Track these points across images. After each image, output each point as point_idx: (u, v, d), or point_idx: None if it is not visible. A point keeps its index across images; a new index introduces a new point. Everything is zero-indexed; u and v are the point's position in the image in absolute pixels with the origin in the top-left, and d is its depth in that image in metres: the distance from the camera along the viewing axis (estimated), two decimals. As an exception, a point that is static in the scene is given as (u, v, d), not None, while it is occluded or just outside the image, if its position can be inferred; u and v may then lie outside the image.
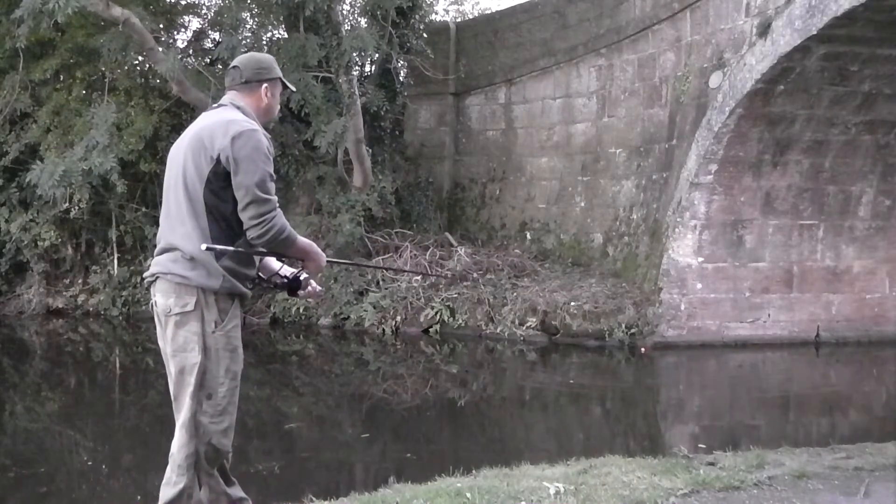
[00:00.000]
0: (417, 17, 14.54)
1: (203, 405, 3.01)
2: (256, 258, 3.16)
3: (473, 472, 4.78)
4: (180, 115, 14.06)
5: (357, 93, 13.08)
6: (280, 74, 3.29)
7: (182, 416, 3.03)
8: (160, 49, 12.64)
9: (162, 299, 3.05)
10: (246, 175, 2.93)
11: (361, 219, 13.18)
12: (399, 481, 4.69)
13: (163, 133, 13.72)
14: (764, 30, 9.77)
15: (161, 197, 3.27)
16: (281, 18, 14.07)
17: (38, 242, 13.79)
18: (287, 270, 3.23)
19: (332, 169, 13.85)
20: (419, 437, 7.33)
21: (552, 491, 4.17)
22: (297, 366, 11.02)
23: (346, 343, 12.01)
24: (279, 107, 3.36)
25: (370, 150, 13.68)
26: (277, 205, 3.02)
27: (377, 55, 14.07)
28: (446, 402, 8.82)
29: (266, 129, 3.17)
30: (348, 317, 12.36)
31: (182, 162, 3.05)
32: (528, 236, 14.11)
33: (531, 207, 14.21)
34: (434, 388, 9.31)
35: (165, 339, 3.07)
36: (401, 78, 14.81)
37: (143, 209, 14.26)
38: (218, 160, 2.96)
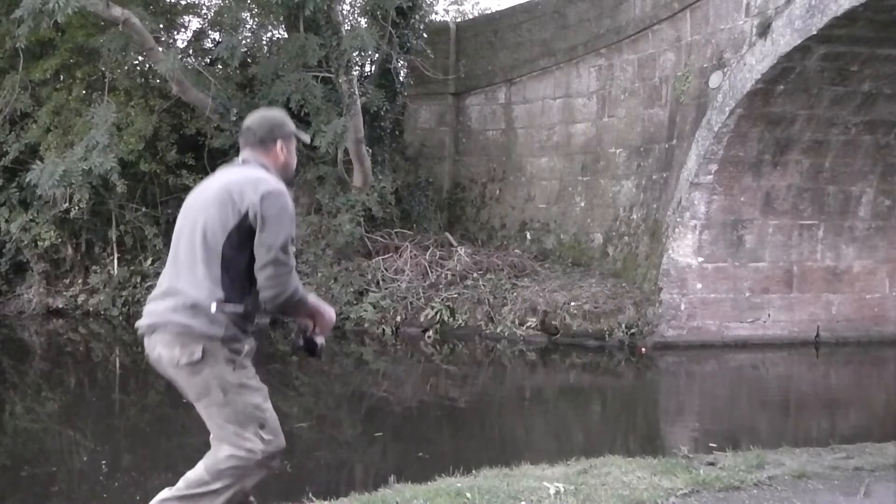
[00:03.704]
0: (417, 17, 14.53)
1: (255, 433, 2.99)
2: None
3: (473, 472, 4.78)
4: (180, 115, 14.06)
5: (357, 93, 13.08)
6: (294, 129, 3.28)
7: (229, 448, 2.98)
8: (160, 49, 12.64)
9: (166, 351, 2.97)
10: (270, 235, 2.91)
11: (361, 219, 13.18)
12: (399, 481, 4.69)
13: (163, 133, 13.70)
14: (764, 30, 9.78)
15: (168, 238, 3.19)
16: (281, 18, 14.08)
17: (38, 242, 13.78)
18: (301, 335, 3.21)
19: (332, 169, 13.84)
20: (419, 437, 7.32)
21: (552, 491, 4.17)
22: (297, 366, 11.01)
23: (346, 343, 12.01)
24: (296, 161, 3.34)
25: (370, 150, 13.68)
26: (294, 267, 2.99)
27: (377, 55, 14.07)
28: (446, 402, 8.82)
29: (288, 184, 3.16)
30: (348, 317, 12.34)
31: (204, 210, 3.01)
32: (528, 236, 14.11)
33: (531, 207, 14.21)
34: (434, 387, 9.31)
35: (183, 389, 3.02)
36: (401, 78, 14.80)
37: (143, 209, 14.26)
38: (245, 215, 2.93)
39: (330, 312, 3.20)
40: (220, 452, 2.98)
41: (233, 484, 2.97)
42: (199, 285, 2.93)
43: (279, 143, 3.20)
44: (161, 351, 2.98)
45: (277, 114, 3.32)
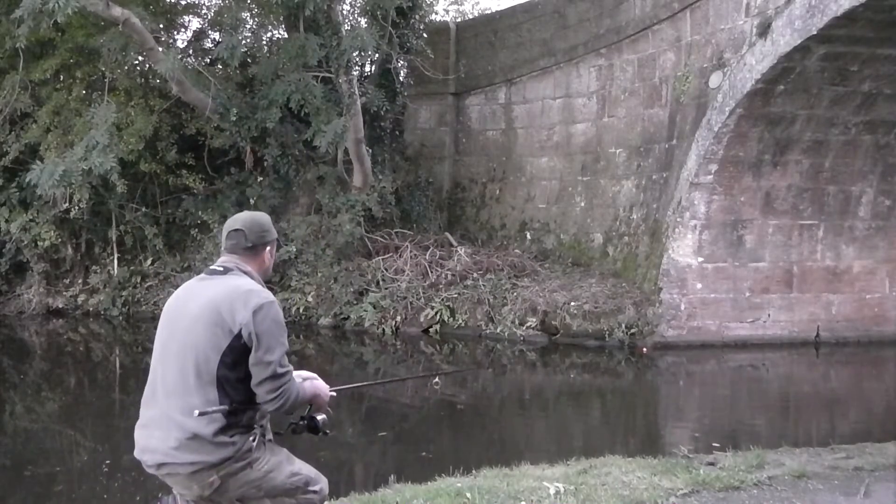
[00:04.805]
0: (417, 17, 14.54)
1: (304, 492, 3.07)
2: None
3: (473, 472, 4.78)
4: (180, 115, 14.06)
5: (357, 93, 13.09)
6: (275, 234, 3.26)
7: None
8: (160, 49, 12.64)
9: (187, 491, 2.93)
10: (267, 352, 2.86)
11: (361, 219, 13.19)
12: (399, 481, 4.70)
13: (163, 133, 13.70)
14: (764, 30, 9.78)
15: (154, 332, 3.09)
16: (281, 18, 14.08)
17: (38, 242, 13.79)
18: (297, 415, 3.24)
19: (332, 169, 13.85)
20: (419, 437, 7.32)
21: (552, 491, 4.18)
22: (296, 366, 10.97)
23: (346, 343, 12.01)
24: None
25: (370, 150, 13.69)
26: (292, 370, 2.98)
27: (377, 55, 14.08)
28: (446, 402, 8.81)
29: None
30: (348, 317, 12.35)
31: (191, 331, 2.89)
32: (528, 236, 14.11)
33: (531, 207, 14.21)
34: (434, 387, 9.30)
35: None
36: (401, 78, 14.81)
37: (143, 209, 14.26)
38: (239, 335, 2.85)
39: (324, 390, 3.21)
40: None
41: None
42: (193, 412, 2.81)
43: (268, 249, 3.14)
44: (181, 491, 2.96)
45: (264, 218, 3.21)
